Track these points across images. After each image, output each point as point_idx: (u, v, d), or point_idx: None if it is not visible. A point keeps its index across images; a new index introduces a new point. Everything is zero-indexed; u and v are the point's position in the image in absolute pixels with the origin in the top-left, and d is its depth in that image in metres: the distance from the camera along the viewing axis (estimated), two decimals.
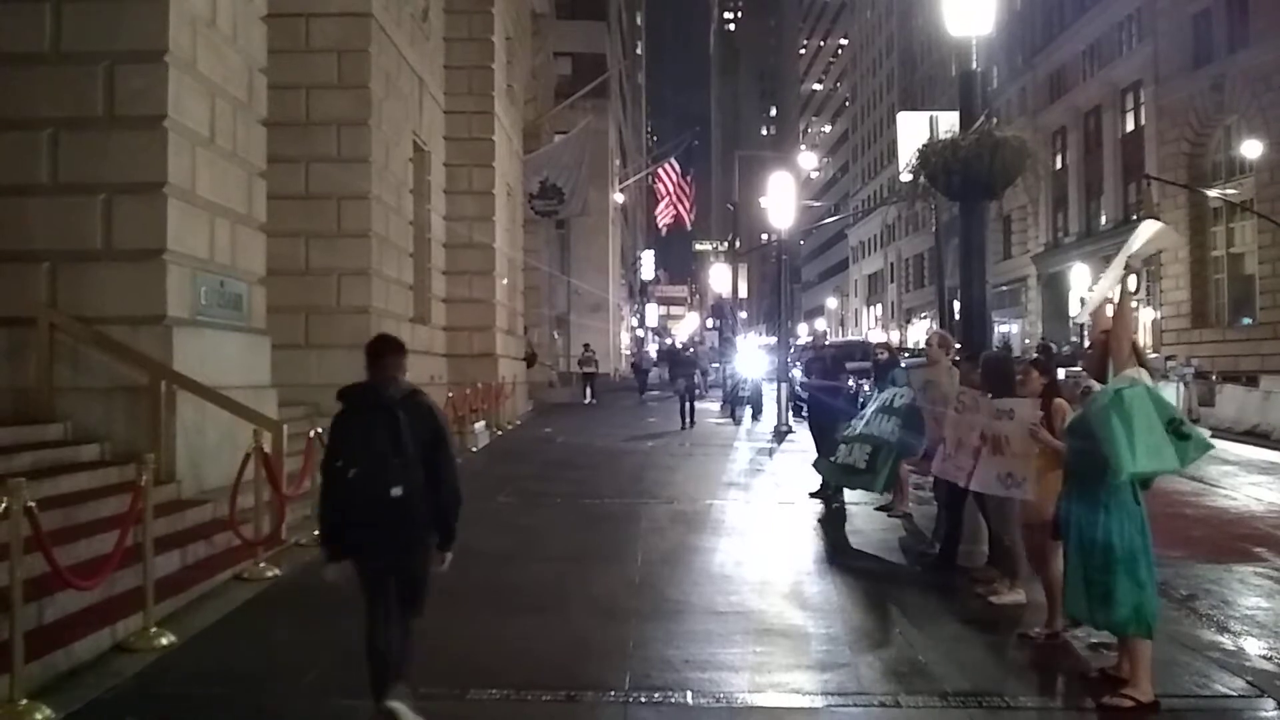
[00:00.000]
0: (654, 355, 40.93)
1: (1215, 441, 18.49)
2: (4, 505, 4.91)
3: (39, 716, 4.86)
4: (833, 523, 10.48)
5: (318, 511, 5.05)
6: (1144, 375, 5.31)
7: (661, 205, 41.93)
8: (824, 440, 11.64)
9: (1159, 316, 36.69)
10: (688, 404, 21.88)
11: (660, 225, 45.43)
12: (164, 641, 6.11)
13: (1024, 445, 6.45)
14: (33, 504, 5.07)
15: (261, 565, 7.95)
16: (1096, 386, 5.54)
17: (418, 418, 4.74)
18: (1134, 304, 6.05)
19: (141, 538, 6.31)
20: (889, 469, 9.94)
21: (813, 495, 11.62)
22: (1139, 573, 5.20)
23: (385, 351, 4.87)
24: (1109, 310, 5.74)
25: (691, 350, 31.07)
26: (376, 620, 4.77)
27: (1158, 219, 6.17)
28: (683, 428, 21.31)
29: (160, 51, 8.91)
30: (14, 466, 7.26)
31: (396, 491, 4.59)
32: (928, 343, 9.86)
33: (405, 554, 4.79)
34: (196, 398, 8.92)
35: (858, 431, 10.52)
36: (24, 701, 4.89)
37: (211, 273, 9.80)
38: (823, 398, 12.51)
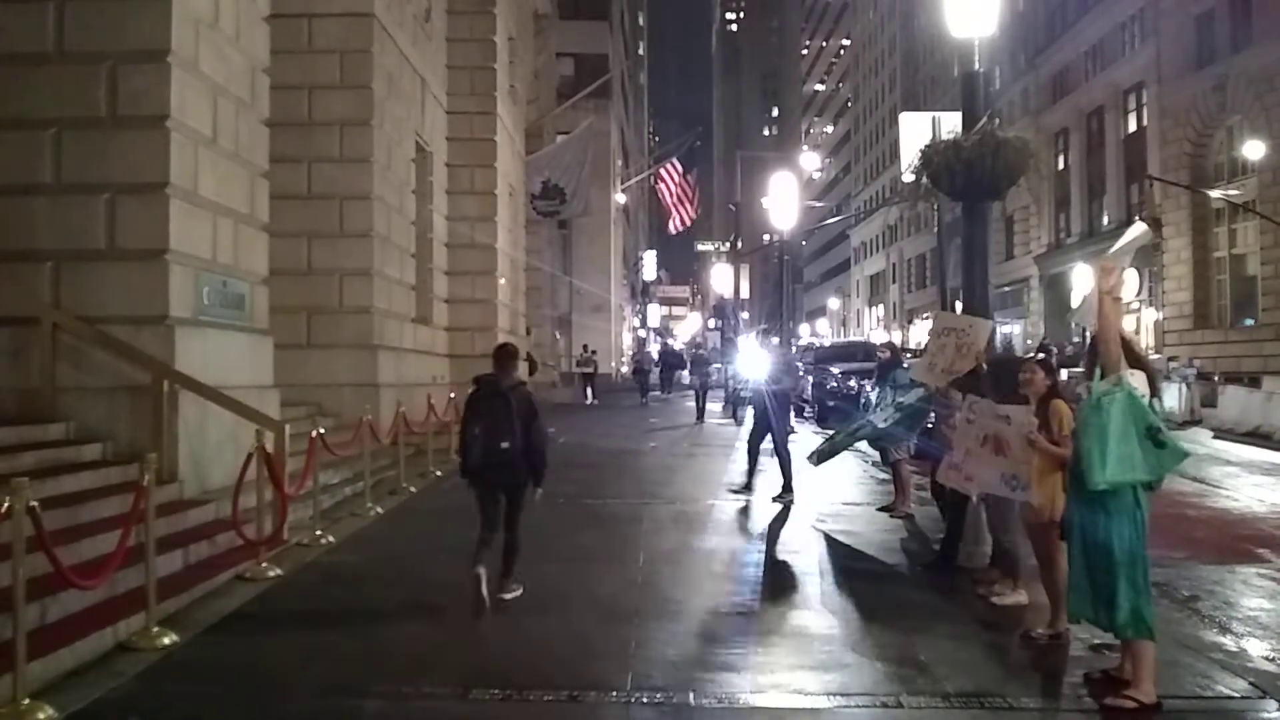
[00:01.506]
0: (654, 355, 40.77)
1: (1219, 443, 18.59)
2: (7, 505, 4.90)
3: (41, 716, 4.86)
4: (835, 524, 10.46)
5: (458, 455, 7.41)
6: (1134, 377, 5.28)
7: (671, 205, 41.90)
8: (756, 444, 12.02)
9: (1161, 317, 36.65)
10: (703, 399, 24.24)
11: (672, 227, 45.41)
12: (166, 641, 6.10)
13: (1024, 450, 6.43)
14: (35, 503, 5.06)
15: (263, 565, 7.95)
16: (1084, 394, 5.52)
17: (520, 400, 7.19)
18: (1135, 303, 5.97)
19: (144, 537, 6.31)
20: (871, 436, 10.24)
21: (775, 499, 11.68)
22: (1137, 576, 5.20)
23: (504, 356, 7.53)
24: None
25: (710, 349, 31.57)
26: (487, 526, 7.20)
27: (1159, 220, 6.17)
28: (698, 421, 22.87)
29: (163, 52, 8.91)
30: (17, 466, 7.26)
31: (505, 445, 6.97)
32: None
33: (511, 485, 7.27)
34: (199, 398, 8.92)
35: (854, 426, 10.76)
36: (27, 701, 4.89)
37: (214, 273, 9.81)
38: (765, 406, 12.30)
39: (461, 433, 7.31)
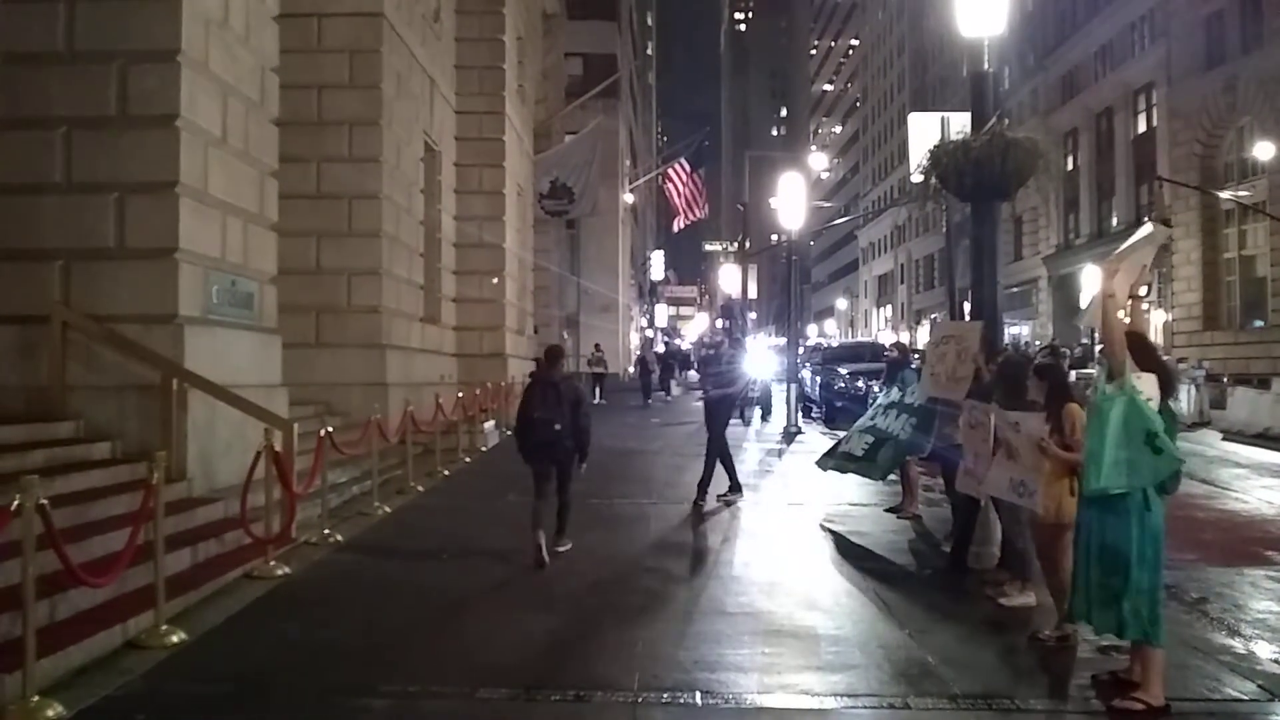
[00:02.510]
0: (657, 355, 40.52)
1: (1228, 445, 18.50)
2: (17, 502, 4.93)
3: (51, 713, 4.88)
4: (842, 525, 10.45)
5: (516, 436, 8.91)
6: (1142, 380, 5.25)
7: (680, 206, 41.84)
8: (714, 444, 11.84)
9: (1170, 319, 36.55)
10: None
11: (678, 224, 45.34)
12: (174, 639, 6.13)
13: (1033, 458, 6.41)
14: (45, 501, 5.08)
15: (272, 564, 7.97)
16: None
17: (568, 389, 8.63)
18: (1145, 305, 5.91)
19: (152, 535, 6.33)
20: (890, 461, 10.04)
21: (720, 498, 11.67)
22: (1144, 578, 5.18)
23: (553, 354, 8.87)
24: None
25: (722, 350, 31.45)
26: (540, 495, 8.58)
27: (1169, 221, 6.15)
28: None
29: (173, 51, 8.95)
30: (26, 464, 7.30)
31: (556, 426, 8.36)
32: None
33: (561, 460, 8.65)
34: (208, 396, 8.95)
35: (864, 425, 10.69)
36: (36, 698, 4.91)
37: (223, 271, 9.84)
38: (715, 407, 12.25)
39: (519, 417, 8.77)
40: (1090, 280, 37.23)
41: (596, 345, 34.35)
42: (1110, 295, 5.39)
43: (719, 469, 11.69)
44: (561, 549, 8.66)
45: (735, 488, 11.77)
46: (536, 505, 8.52)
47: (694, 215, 42.46)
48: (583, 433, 8.61)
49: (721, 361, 13.05)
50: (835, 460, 11.01)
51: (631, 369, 47.17)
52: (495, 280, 21.29)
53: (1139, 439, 5.07)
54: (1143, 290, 5.78)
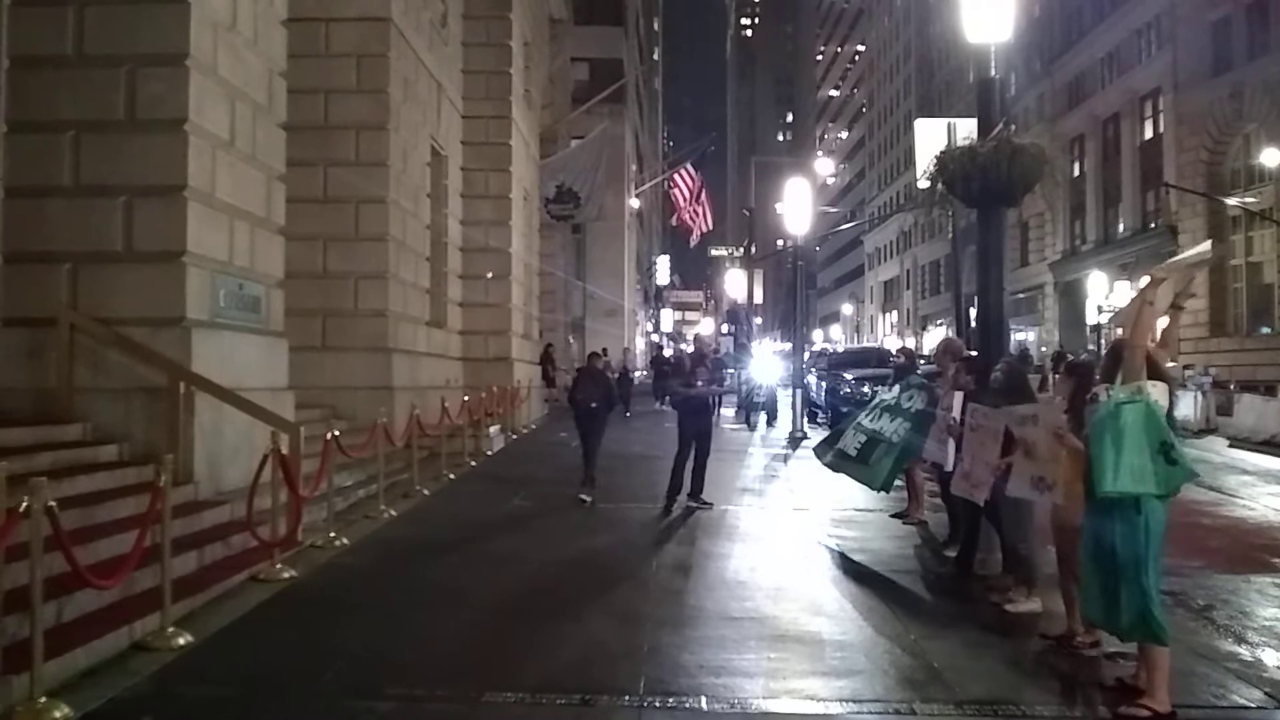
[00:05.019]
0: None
1: (1235, 451, 18.48)
2: (25, 504, 4.94)
3: (58, 714, 4.89)
4: (848, 530, 10.44)
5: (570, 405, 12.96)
6: (1155, 389, 5.26)
7: (689, 218, 41.80)
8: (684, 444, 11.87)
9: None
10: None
11: (692, 240, 45.34)
12: (181, 641, 6.14)
13: (1051, 449, 6.36)
14: (53, 503, 5.10)
15: (278, 567, 7.98)
16: (1100, 396, 5.50)
17: (602, 380, 13.00)
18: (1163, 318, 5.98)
19: (159, 538, 6.35)
20: (889, 468, 9.99)
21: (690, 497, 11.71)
22: (1145, 581, 5.17)
23: (592, 358, 13.80)
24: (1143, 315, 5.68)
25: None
26: (589, 451, 12.29)
27: (1175, 228, 6.20)
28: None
29: (181, 55, 8.97)
30: (34, 466, 7.29)
31: (594, 404, 12.42)
32: (937, 350, 9.87)
33: (598, 427, 12.53)
34: (214, 399, 8.96)
35: (856, 422, 10.67)
36: (43, 699, 4.92)
37: (230, 275, 9.86)
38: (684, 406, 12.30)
39: (569, 396, 13.84)
40: (1097, 286, 37.26)
41: (605, 350, 33.95)
42: (1150, 302, 5.43)
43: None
44: (585, 497, 11.86)
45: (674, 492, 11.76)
46: (585, 457, 12.38)
47: (700, 229, 42.52)
48: (615, 400, 14.09)
49: (685, 364, 13.46)
50: (831, 456, 10.97)
51: (644, 371, 47.18)
52: (489, 275, 21.16)
53: (1154, 448, 5.08)
54: (1187, 302, 5.82)
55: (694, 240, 43.47)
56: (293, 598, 7.51)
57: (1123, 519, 5.19)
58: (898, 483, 11.09)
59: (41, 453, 7.88)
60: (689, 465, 11.76)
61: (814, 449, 11.53)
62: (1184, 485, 5.40)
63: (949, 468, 8.43)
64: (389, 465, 11.70)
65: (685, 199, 41.85)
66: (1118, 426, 5.11)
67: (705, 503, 11.63)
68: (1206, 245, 6.25)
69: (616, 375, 27.05)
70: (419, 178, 16.98)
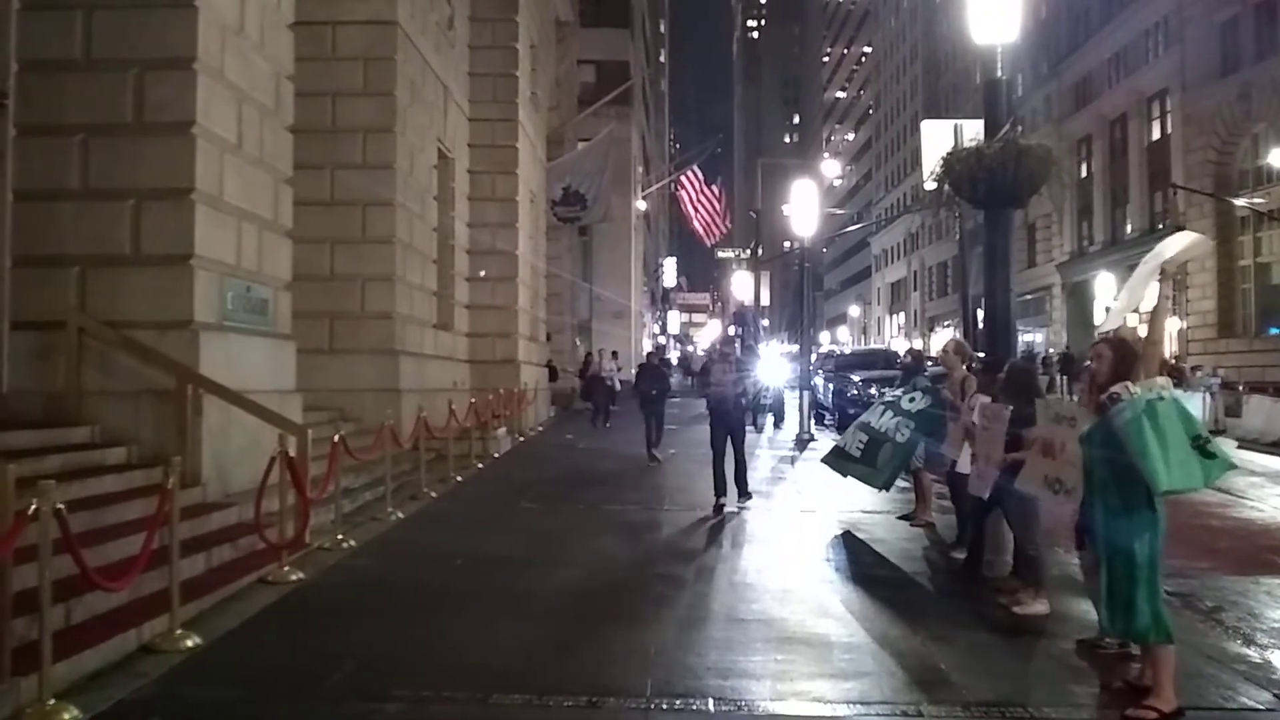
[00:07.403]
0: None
1: (1243, 453, 18.45)
2: (34, 507, 4.96)
3: (67, 716, 4.90)
4: (855, 532, 10.43)
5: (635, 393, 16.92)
6: (1165, 385, 5.25)
7: (700, 223, 41.80)
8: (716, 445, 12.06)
9: (1185, 326, 36.39)
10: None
11: (709, 243, 45.33)
12: (189, 643, 6.15)
13: (1075, 453, 6.29)
14: (62, 506, 5.11)
15: (285, 569, 7.99)
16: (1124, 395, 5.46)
17: (658, 373, 18.11)
18: (1142, 316, 6.01)
19: (167, 540, 6.36)
20: (891, 468, 10.01)
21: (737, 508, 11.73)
22: (1156, 581, 5.19)
23: (650, 355, 22.35)
24: (1130, 320, 5.71)
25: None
26: (650, 430, 16.78)
27: (1182, 229, 6.21)
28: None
29: (189, 59, 9.00)
30: (43, 468, 7.31)
31: (652, 391, 17.16)
32: (943, 350, 9.83)
33: (658, 409, 17.07)
34: (222, 402, 8.98)
35: (860, 421, 10.69)
36: (52, 701, 4.93)
37: (238, 278, 9.88)
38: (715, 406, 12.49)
39: (635, 387, 17.41)
40: (1105, 287, 37.18)
41: (614, 353, 33.37)
42: (1167, 297, 5.46)
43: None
44: (660, 457, 16.19)
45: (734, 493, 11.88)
46: (648, 428, 16.73)
47: (715, 235, 42.49)
48: (669, 390, 18.72)
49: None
50: (832, 456, 11.02)
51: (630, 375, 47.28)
52: (482, 274, 21.12)
53: (1188, 441, 5.08)
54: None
55: (712, 241, 43.42)
56: (300, 600, 7.52)
57: (1137, 519, 5.18)
58: (906, 485, 11.06)
59: (50, 455, 7.91)
60: (728, 466, 11.92)
61: (822, 459, 11.50)
62: (1216, 480, 5.37)
63: (966, 470, 8.40)
64: (396, 467, 11.72)
65: (692, 200, 41.84)
66: (1158, 423, 5.07)
67: (743, 503, 11.90)
68: (1194, 235, 6.23)
69: (607, 379, 27.16)
70: (426, 180, 17.01)
